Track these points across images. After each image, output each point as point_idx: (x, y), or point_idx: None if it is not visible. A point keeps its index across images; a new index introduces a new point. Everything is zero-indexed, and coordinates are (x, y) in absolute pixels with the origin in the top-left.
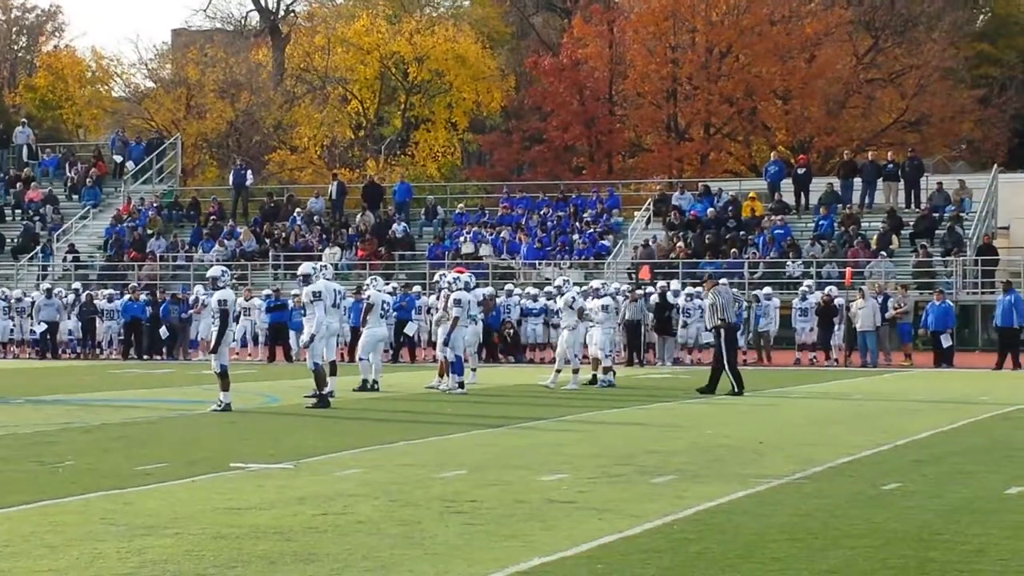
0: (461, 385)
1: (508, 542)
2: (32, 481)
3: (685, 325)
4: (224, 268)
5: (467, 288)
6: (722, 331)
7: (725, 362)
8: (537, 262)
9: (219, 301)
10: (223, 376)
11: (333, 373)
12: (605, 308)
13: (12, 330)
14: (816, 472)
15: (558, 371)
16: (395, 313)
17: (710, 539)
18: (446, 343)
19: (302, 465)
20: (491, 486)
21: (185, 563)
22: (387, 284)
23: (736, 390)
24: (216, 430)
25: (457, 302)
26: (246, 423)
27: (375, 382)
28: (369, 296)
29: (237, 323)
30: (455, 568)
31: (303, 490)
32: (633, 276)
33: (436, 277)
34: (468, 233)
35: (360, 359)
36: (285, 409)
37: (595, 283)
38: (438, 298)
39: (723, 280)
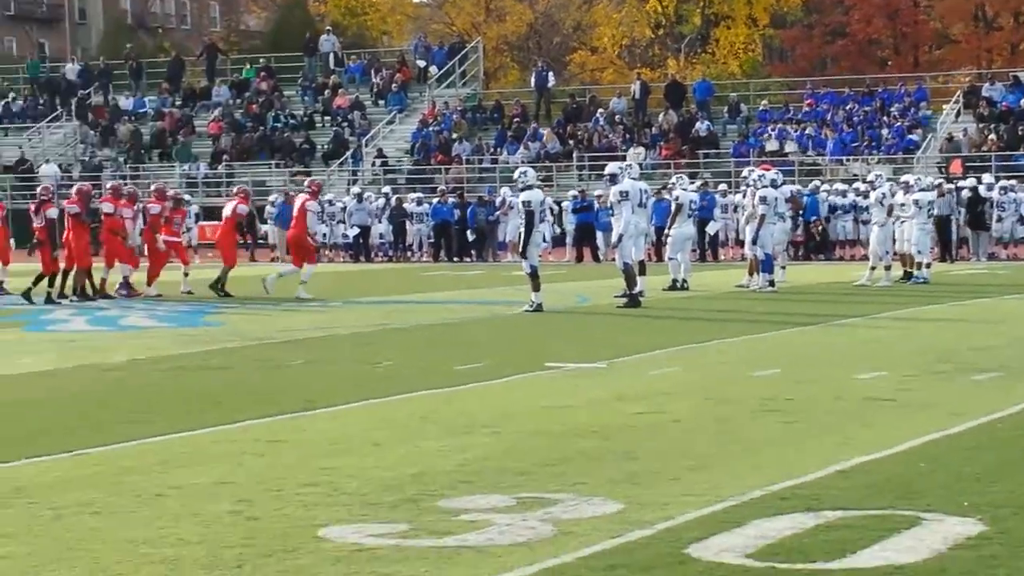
0: (771, 283)
1: (827, 440)
2: (355, 380)
3: (1000, 220)
4: (529, 169)
5: (774, 185)
6: None
7: None
8: (844, 158)
9: (523, 202)
10: (534, 276)
11: (642, 273)
12: (917, 203)
13: (325, 235)
14: None
15: (872, 268)
16: (697, 212)
17: None
18: (754, 241)
19: (616, 364)
20: (807, 384)
21: (506, 461)
22: (691, 183)
23: None
24: (529, 330)
25: (763, 199)
26: (558, 323)
27: (684, 281)
28: (677, 196)
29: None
30: (775, 466)
31: (619, 389)
32: (943, 170)
33: (743, 174)
34: (772, 130)
35: (669, 259)
36: (596, 309)
37: (908, 178)
38: (744, 196)
39: None
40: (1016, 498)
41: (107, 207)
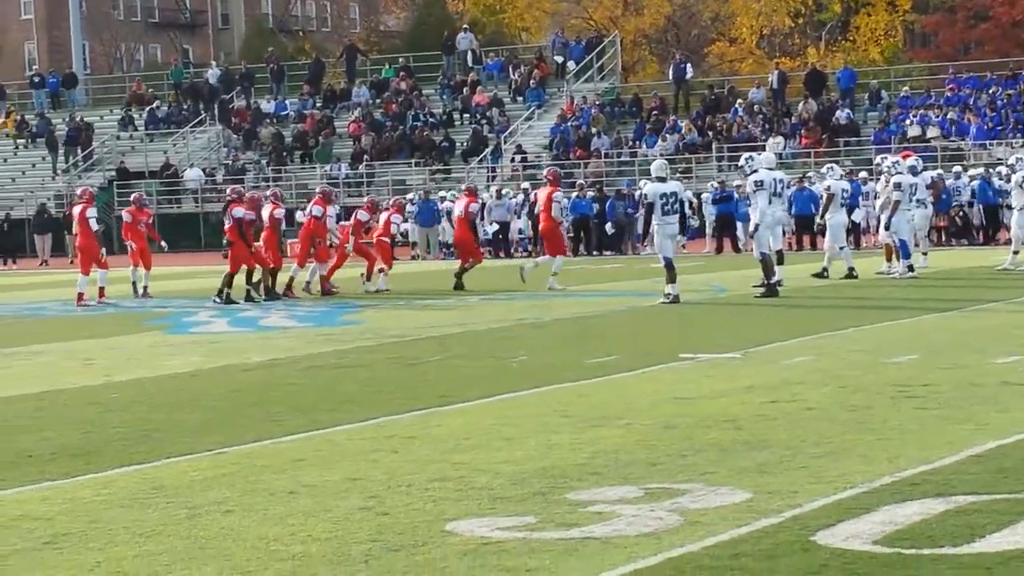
0: (911, 268)
1: (962, 425)
2: (490, 375)
3: None
4: (659, 161)
5: (913, 172)
6: None
7: None
8: (988, 142)
9: (643, 195)
10: (669, 268)
11: (780, 262)
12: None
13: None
14: None
15: (1015, 252)
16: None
17: None
18: (887, 227)
19: (751, 354)
20: (944, 370)
21: (637, 452)
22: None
23: None
24: (665, 322)
25: (897, 186)
26: (694, 314)
27: (851, 268)
28: (829, 186)
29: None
30: (908, 452)
31: (752, 379)
32: None
33: (877, 160)
34: (914, 116)
35: (841, 248)
36: (733, 299)
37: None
38: (876, 183)
39: None
40: None
41: (316, 210)
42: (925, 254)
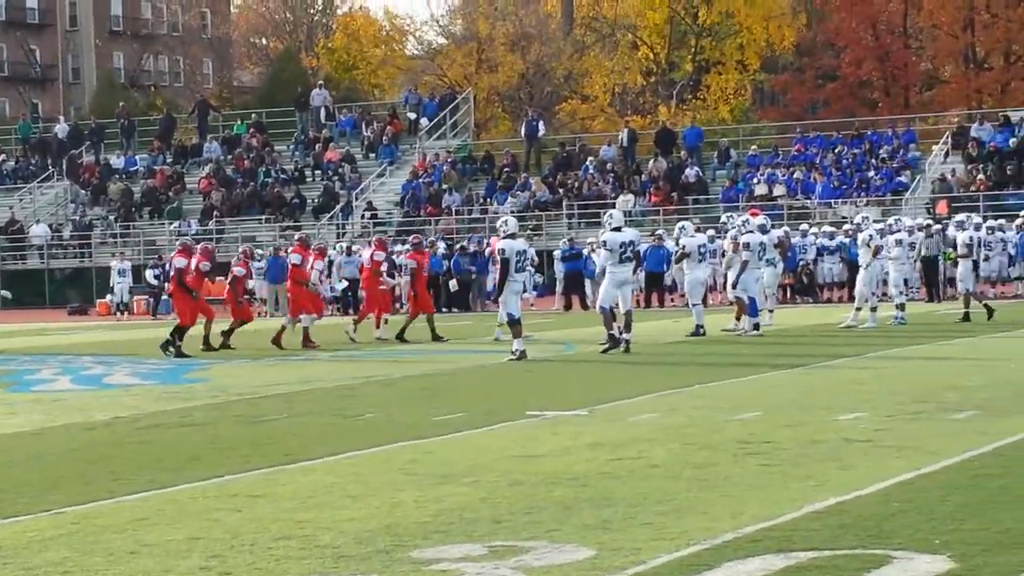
0: (756, 327)
1: (804, 482)
2: (336, 433)
3: (987, 259)
4: (510, 218)
5: (763, 230)
6: None
7: None
8: (833, 201)
9: (499, 250)
10: (514, 324)
11: (629, 322)
12: (899, 243)
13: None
14: None
15: (858, 309)
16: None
17: (1013, 474)
18: (734, 285)
19: (597, 411)
20: (787, 427)
21: (482, 510)
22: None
23: None
24: (512, 379)
25: (747, 245)
26: (542, 372)
27: (700, 326)
28: (684, 245)
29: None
30: (749, 509)
31: (598, 436)
32: (931, 211)
33: (723, 219)
34: (762, 175)
35: (693, 305)
36: (580, 357)
37: (891, 220)
38: (723, 240)
39: None
40: (987, 536)
41: (295, 258)
42: (771, 311)
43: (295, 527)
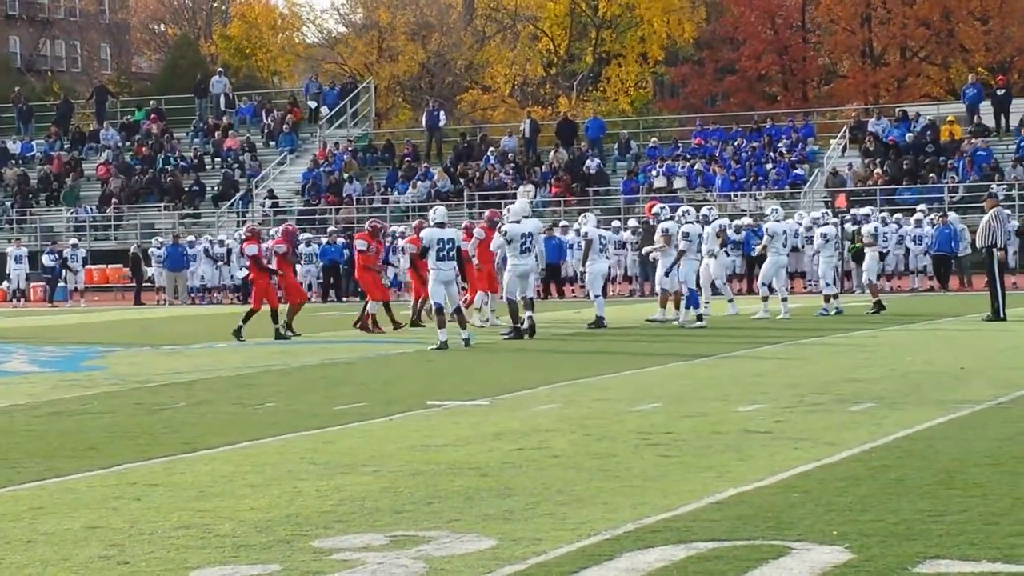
0: (700, 318)
1: (704, 473)
2: (235, 422)
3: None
4: (440, 207)
5: (706, 221)
6: (994, 253)
7: (997, 285)
8: (732, 194)
9: (420, 238)
10: (439, 313)
11: (530, 308)
12: (825, 236)
13: (203, 277)
14: (1019, 396)
15: (764, 299)
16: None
17: (909, 466)
18: (667, 274)
19: (498, 401)
20: (687, 418)
21: (383, 500)
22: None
23: (999, 315)
24: (414, 368)
25: (685, 235)
26: (444, 361)
27: (601, 317)
28: (586, 233)
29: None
30: (650, 499)
31: (499, 426)
32: (829, 204)
33: (656, 210)
34: (661, 167)
35: (595, 296)
36: (483, 347)
37: (818, 213)
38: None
39: None
40: (884, 527)
41: (360, 244)
42: (731, 300)
43: (195, 516)
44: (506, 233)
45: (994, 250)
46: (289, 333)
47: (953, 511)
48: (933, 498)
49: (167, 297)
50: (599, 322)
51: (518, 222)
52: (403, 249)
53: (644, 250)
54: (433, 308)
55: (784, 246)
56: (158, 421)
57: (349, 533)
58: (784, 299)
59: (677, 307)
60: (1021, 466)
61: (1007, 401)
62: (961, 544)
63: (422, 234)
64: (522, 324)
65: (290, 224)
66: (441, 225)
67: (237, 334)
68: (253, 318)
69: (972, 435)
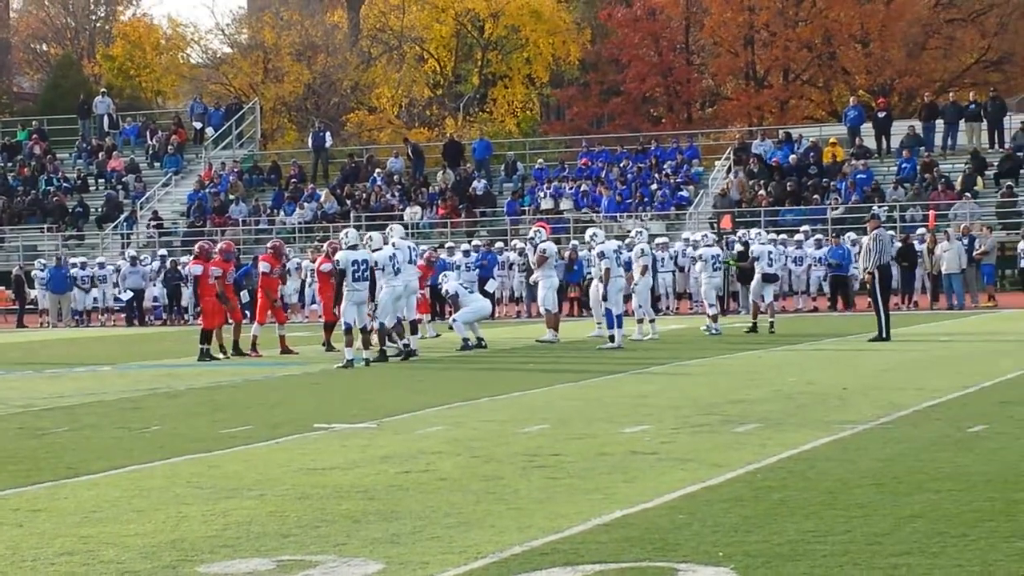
0: (612, 339)
1: (590, 495)
2: (119, 447)
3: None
4: (351, 229)
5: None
6: (876, 275)
7: (880, 305)
8: (619, 215)
9: (335, 261)
10: (347, 333)
11: (414, 332)
12: (705, 258)
13: (96, 299)
14: (901, 416)
15: (639, 321)
16: (477, 270)
17: (793, 486)
18: (604, 298)
19: (385, 424)
20: (574, 439)
21: (269, 524)
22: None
23: (883, 335)
24: (300, 391)
25: (601, 255)
26: (331, 383)
27: (480, 338)
28: (545, 249)
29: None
30: (537, 522)
31: (386, 449)
32: (714, 226)
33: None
34: (548, 188)
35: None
36: (371, 369)
37: (699, 235)
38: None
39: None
40: (769, 547)
41: (264, 266)
42: (652, 321)
43: (78, 542)
44: (338, 262)
45: (875, 271)
46: (220, 356)
47: (837, 531)
48: (817, 519)
49: (50, 320)
50: (479, 343)
51: (354, 248)
52: (315, 271)
53: (532, 278)
54: (343, 327)
55: (619, 266)
56: (41, 446)
57: (235, 558)
58: (652, 320)
59: (549, 326)
60: (903, 486)
61: (889, 421)
62: (845, 564)
63: (338, 256)
64: (404, 346)
65: (277, 240)
66: (354, 247)
67: (239, 353)
68: (242, 334)
69: (855, 455)
